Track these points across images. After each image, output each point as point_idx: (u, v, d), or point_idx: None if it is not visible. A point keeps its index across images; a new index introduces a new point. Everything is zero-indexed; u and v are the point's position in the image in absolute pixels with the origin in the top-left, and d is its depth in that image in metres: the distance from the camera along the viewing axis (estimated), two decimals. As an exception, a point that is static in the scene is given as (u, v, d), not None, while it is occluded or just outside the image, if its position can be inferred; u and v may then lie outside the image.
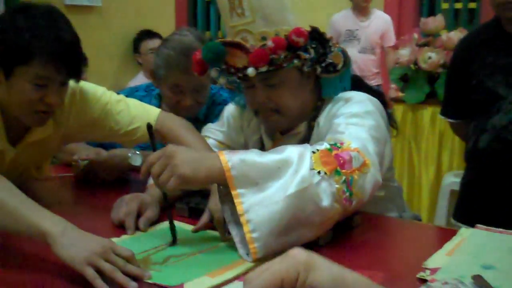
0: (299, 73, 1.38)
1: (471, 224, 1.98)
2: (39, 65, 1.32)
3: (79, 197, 1.67)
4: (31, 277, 1.07)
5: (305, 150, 1.16)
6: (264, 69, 1.32)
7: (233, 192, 1.09)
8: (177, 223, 1.34)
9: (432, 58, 3.46)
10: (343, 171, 1.14)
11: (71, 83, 1.44)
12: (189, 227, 1.32)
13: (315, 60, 1.38)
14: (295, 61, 1.34)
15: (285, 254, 0.76)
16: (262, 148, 1.57)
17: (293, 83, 1.39)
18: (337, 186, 1.12)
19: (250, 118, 1.62)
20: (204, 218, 1.28)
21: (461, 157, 3.40)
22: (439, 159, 3.41)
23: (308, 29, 1.36)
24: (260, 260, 1.08)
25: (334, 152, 1.17)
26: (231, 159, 1.11)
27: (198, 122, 1.98)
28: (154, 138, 1.27)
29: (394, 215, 1.59)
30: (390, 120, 1.55)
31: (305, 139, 1.46)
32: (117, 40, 4.36)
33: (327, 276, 0.75)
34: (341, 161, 1.15)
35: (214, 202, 1.26)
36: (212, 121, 1.91)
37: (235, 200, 1.10)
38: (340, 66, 1.39)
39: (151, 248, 1.19)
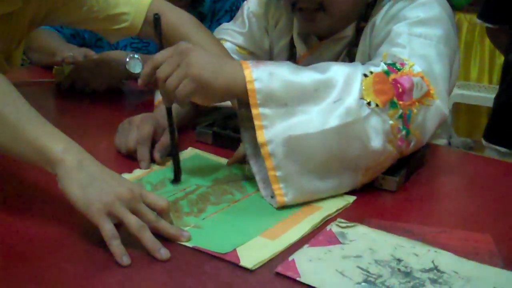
0: None
1: (505, 145, 1.79)
2: None
3: (63, 112, 1.35)
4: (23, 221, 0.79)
5: (355, 72, 0.89)
6: None
7: (254, 112, 0.85)
8: (201, 153, 1.07)
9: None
10: (401, 102, 0.89)
11: None
12: (216, 159, 1.04)
13: None
14: None
15: None
16: (293, 55, 1.28)
17: None
18: (391, 122, 0.88)
19: (278, 16, 1.30)
20: (241, 149, 1.01)
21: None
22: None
23: None
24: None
25: (392, 76, 0.90)
26: (256, 70, 0.86)
27: (203, 19, 1.65)
28: (161, 32, 0.96)
29: (444, 141, 1.35)
30: None
31: (351, 46, 1.17)
32: None
33: None
34: (400, 90, 0.89)
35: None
36: (221, 19, 1.62)
37: (256, 123, 0.85)
38: None
39: (178, 190, 0.91)
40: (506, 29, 1.87)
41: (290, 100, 0.85)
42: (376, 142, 0.87)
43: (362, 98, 0.86)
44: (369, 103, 0.86)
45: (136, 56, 1.38)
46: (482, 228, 0.84)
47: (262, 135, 0.84)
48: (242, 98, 0.87)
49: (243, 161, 1.01)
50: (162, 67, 0.87)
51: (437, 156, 1.13)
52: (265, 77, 0.85)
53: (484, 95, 3.05)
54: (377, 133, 0.87)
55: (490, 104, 2.91)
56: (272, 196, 0.87)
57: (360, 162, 0.88)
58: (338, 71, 0.88)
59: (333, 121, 0.85)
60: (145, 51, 1.58)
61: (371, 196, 0.92)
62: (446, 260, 0.74)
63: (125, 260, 0.71)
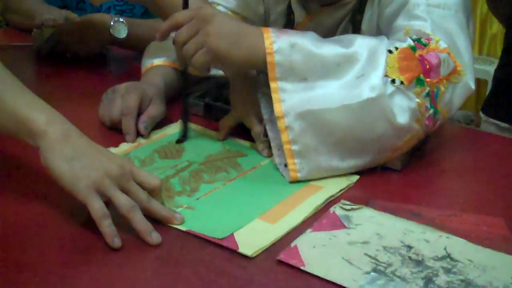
0: None
1: (505, 120, 1.74)
2: None
3: (42, 79, 1.27)
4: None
5: (380, 47, 0.85)
6: None
7: (272, 85, 0.82)
8: (192, 126, 1.01)
9: None
10: (428, 80, 0.84)
11: None
12: (208, 133, 0.98)
13: None
14: None
15: None
16: (290, 21, 1.20)
17: None
18: (418, 100, 0.83)
19: None
20: (229, 120, 0.96)
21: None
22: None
23: None
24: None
25: (419, 52, 0.85)
26: (278, 40, 0.83)
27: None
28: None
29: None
30: None
31: (355, 12, 1.10)
32: None
33: None
34: (427, 67, 0.84)
35: (238, 99, 0.95)
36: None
37: (273, 96, 0.82)
38: None
39: (169, 166, 0.85)
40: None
41: (310, 74, 0.82)
42: (402, 118, 0.82)
43: (386, 75, 0.81)
44: (393, 81, 0.81)
45: (121, 19, 1.29)
46: (493, 210, 0.79)
47: (279, 108, 0.81)
48: (262, 69, 0.84)
49: (235, 133, 0.96)
50: (180, 31, 0.85)
51: (439, 131, 1.07)
52: (286, 48, 0.82)
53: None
54: (403, 110, 0.82)
55: (479, 75, 2.88)
56: (286, 165, 0.83)
57: (386, 141, 0.83)
58: (362, 46, 0.84)
59: (355, 97, 0.81)
60: (129, 14, 1.49)
61: (375, 176, 0.86)
62: (459, 247, 0.69)
63: (116, 241, 0.65)
